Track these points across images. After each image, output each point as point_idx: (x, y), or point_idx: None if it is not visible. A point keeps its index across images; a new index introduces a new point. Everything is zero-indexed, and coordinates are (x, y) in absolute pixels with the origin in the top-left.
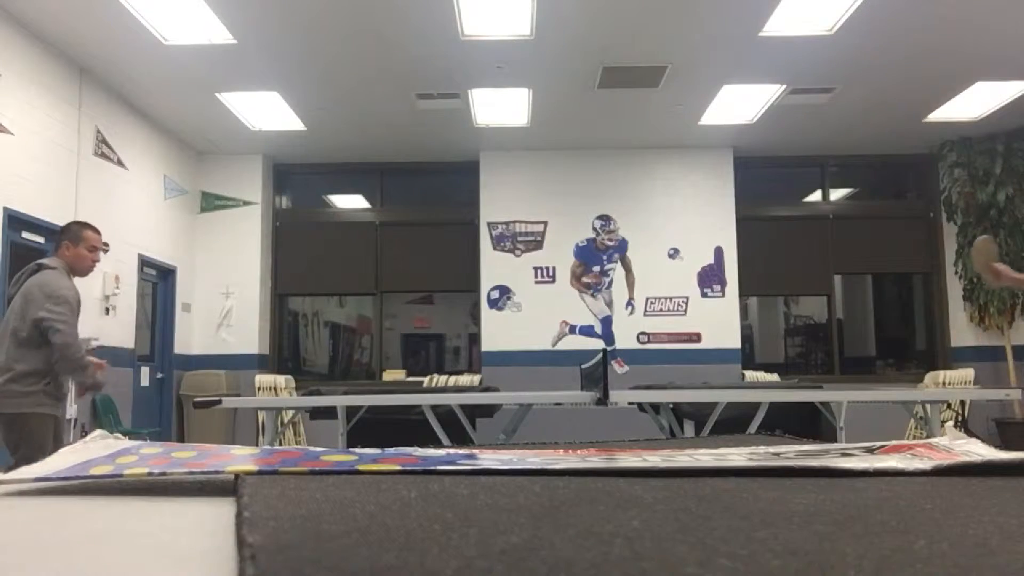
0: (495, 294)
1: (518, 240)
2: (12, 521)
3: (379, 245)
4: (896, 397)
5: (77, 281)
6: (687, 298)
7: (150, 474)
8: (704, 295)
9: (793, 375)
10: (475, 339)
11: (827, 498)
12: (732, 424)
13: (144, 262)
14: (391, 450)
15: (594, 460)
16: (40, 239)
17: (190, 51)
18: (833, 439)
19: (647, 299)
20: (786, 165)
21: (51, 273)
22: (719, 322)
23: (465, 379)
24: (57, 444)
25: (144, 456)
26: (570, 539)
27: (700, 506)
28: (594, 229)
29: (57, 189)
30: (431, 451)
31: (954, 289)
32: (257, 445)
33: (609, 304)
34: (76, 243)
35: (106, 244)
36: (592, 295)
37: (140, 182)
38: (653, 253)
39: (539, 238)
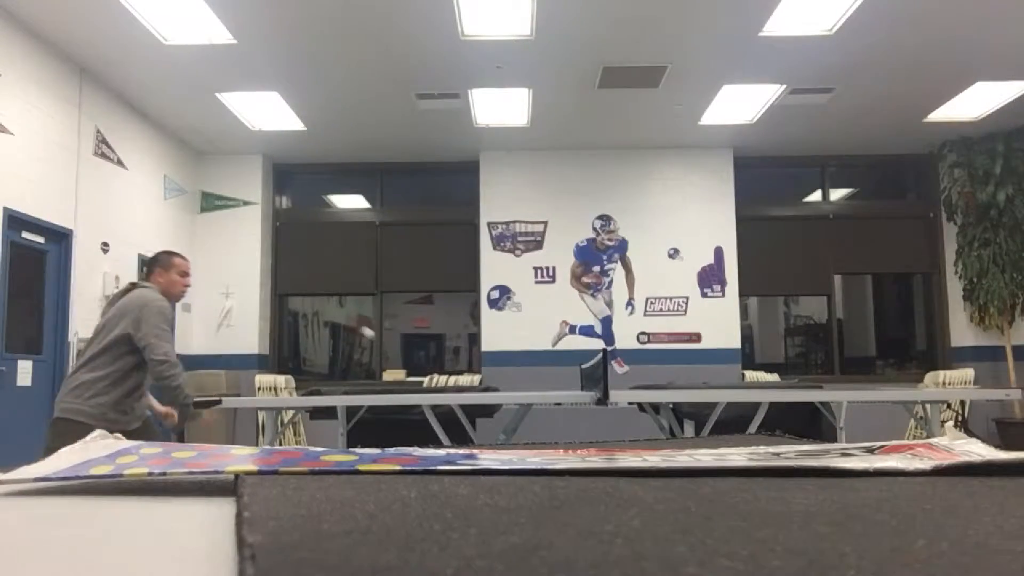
0: (495, 294)
1: (518, 240)
2: (12, 521)
3: (379, 245)
4: (896, 397)
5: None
6: (687, 298)
7: (150, 474)
8: (704, 295)
9: (793, 375)
10: (475, 339)
11: (827, 498)
12: (732, 424)
13: (144, 262)
14: (391, 450)
15: (594, 460)
16: (40, 239)
17: (190, 51)
18: (833, 439)
19: (647, 299)
20: (786, 165)
21: (149, 291)
22: (719, 322)
23: (465, 379)
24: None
25: (144, 456)
26: (570, 539)
27: (700, 506)
28: (594, 229)
29: (57, 189)
30: (431, 451)
31: (954, 289)
32: (257, 445)
33: (609, 304)
34: (167, 269)
35: (106, 244)
36: (592, 295)
37: (140, 182)
38: (653, 253)
39: (539, 238)
